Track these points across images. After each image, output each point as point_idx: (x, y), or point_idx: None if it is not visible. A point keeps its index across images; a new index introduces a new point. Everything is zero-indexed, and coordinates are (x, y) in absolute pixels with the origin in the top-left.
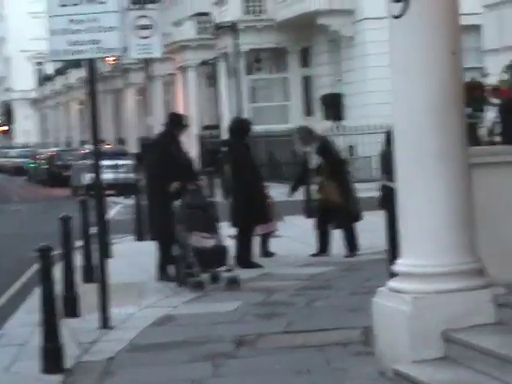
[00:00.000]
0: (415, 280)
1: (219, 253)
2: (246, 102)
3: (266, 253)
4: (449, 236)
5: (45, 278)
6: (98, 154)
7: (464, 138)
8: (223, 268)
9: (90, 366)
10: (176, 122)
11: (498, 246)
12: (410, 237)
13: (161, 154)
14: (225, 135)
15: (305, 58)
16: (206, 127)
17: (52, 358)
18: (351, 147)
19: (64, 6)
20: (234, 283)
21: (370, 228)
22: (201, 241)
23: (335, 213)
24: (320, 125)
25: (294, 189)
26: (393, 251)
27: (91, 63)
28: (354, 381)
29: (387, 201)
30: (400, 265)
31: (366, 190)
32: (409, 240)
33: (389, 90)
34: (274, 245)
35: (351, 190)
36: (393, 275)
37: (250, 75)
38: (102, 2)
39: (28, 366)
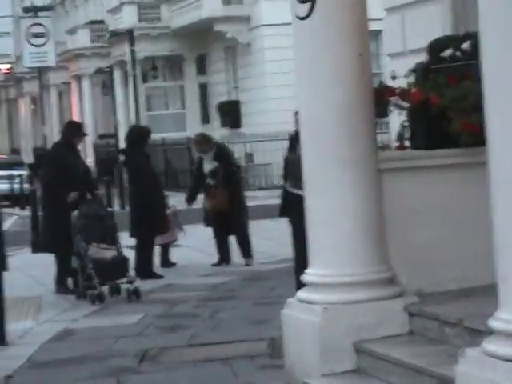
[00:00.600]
0: (325, 290)
1: (119, 264)
2: (142, 110)
3: (167, 263)
4: (358, 244)
5: None
6: None
7: (373, 144)
8: (124, 279)
9: None
10: (74, 131)
11: (408, 254)
12: (318, 246)
13: (58, 163)
14: (122, 144)
15: (201, 66)
16: (102, 136)
17: None
18: (249, 155)
19: None
20: (135, 295)
21: (271, 236)
22: (99, 252)
23: (228, 219)
24: (217, 132)
25: (190, 199)
26: (300, 260)
27: None
28: None
29: (293, 208)
30: (309, 274)
31: (265, 198)
32: (317, 249)
33: (287, 96)
34: (174, 254)
35: (242, 198)
36: (300, 286)
37: (146, 83)
38: None
39: None
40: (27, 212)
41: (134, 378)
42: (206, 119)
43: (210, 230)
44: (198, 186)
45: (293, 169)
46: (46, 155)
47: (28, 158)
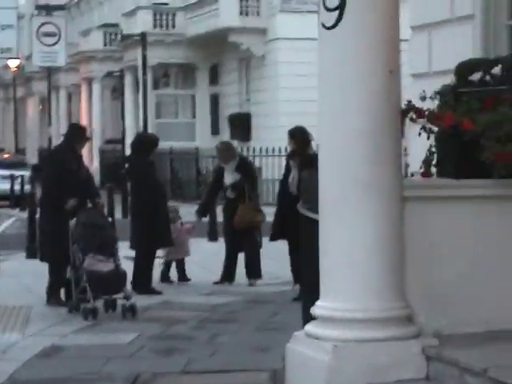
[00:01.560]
0: (336, 325)
1: (116, 278)
2: (151, 117)
3: (184, 277)
4: (375, 277)
5: None
6: None
7: (399, 169)
8: (120, 295)
9: None
10: (77, 135)
11: (428, 291)
12: (330, 276)
13: (58, 168)
14: (128, 150)
15: (214, 76)
16: (109, 141)
17: None
18: (257, 169)
19: None
20: (130, 312)
21: (275, 255)
22: (96, 264)
23: (242, 236)
24: None
25: (203, 211)
26: (309, 290)
27: None
28: None
29: (306, 232)
30: (319, 307)
31: (271, 214)
32: (329, 280)
33: (299, 112)
34: (173, 270)
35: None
36: (308, 318)
37: (157, 90)
38: None
39: None
40: (27, 214)
41: None
42: (215, 130)
43: (213, 245)
44: (214, 199)
45: (308, 189)
46: (46, 158)
47: (33, 158)
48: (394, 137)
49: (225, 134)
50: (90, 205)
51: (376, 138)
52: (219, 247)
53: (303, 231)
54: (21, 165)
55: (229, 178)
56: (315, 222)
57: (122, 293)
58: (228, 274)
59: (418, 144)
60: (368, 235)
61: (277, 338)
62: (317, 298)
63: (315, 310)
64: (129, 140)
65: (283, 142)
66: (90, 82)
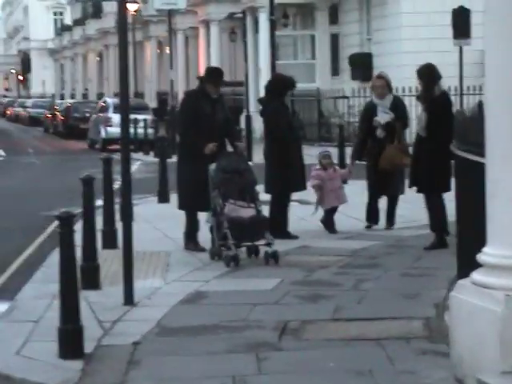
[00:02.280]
0: (507, 274)
1: (257, 224)
2: (270, 58)
3: (330, 227)
4: None
5: (65, 250)
6: (127, 106)
7: None
8: (261, 241)
9: (112, 351)
10: (211, 77)
11: None
12: (499, 222)
13: (189, 112)
14: (252, 93)
15: (334, 15)
16: (228, 84)
17: (71, 341)
18: None
19: None
20: (273, 259)
21: (409, 199)
22: (237, 210)
23: (392, 177)
24: (347, 85)
25: (358, 154)
26: (465, 236)
27: (122, 4)
28: None
29: (463, 176)
30: (487, 254)
31: None
32: (498, 225)
33: (422, 51)
34: (305, 214)
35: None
36: (462, 265)
37: (276, 31)
38: None
39: (42, 349)
40: (151, 158)
41: (276, 356)
42: (336, 71)
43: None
44: (367, 139)
45: (465, 130)
46: (183, 102)
47: (151, 102)
48: None
49: (345, 75)
50: (229, 149)
51: None
52: (349, 190)
53: (460, 174)
54: (142, 108)
55: (382, 116)
56: (477, 165)
57: (263, 239)
58: (373, 217)
59: None
60: None
61: (424, 284)
62: (477, 245)
63: (482, 257)
64: (250, 82)
65: (406, 82)
66: (207, 24)
